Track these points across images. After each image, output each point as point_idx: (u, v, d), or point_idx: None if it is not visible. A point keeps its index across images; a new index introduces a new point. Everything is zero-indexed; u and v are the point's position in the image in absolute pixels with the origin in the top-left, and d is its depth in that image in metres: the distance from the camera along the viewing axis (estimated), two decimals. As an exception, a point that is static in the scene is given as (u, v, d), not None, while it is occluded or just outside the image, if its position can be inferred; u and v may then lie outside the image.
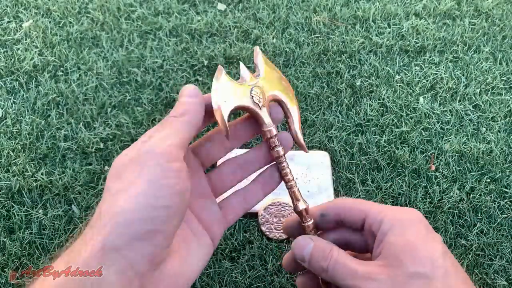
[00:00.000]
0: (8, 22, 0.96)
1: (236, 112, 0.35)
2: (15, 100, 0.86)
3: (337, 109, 0.87)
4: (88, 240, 0.27)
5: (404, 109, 0.87)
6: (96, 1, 1.00)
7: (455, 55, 0.96)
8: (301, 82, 0.89)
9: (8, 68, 0.90)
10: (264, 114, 0.35)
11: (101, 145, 0.81)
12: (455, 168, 0.81)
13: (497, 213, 0.76)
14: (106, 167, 0.79)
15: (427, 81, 0.91)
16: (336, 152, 0.81)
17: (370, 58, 0.94)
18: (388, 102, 0.88)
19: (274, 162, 0.37)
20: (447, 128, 0.85)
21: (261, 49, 0.94)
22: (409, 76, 0.91)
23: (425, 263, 0.27)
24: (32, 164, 0.78)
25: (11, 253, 0.70)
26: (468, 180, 0.79)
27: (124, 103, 0.86)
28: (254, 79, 0.35)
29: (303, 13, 1.00)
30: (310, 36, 0.97)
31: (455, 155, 0.82)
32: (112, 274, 0.26)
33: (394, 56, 0.94)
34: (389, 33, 0.97)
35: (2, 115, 0.84)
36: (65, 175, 0.77)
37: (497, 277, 0.71)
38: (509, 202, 0.78)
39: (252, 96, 0.34)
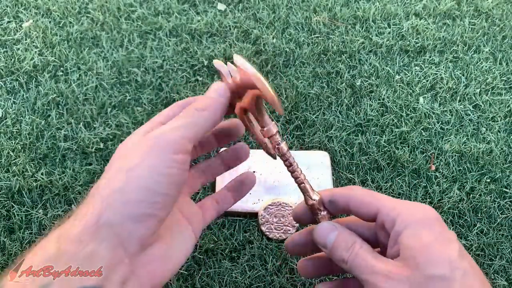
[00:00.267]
0: (8, 22, 0.96)
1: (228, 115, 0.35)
2: (15, 100, 0.86)
3: (337, 109, 0.87)
4: (82, 215, 0.27)
5: (404, 109, 0.87)
6: (96, 1, 1.00)
7: (455, 55, 0.96)
8: (301, 82, 0.89)
9: (8, 68, 0.90)
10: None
11: (101, 145, 0.81)
12: (455, 168, 0.81)
13: (497, 213, 0.76)
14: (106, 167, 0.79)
15: (427, 81, 0.91)
16: (336, 152, 0.81)
17: (370, 58, 0.94)
18: (388, 102, 0.88)
19: (247, 171, 0.39)
20: (447, 128, 0.85)
21: (261, 49, 0.94)
22: (409, 76, 0.91)
23: (443, 265, 0.28)
24: (32, 164, 0.78)
25: (11, 253, 0.70)
26: (468, 180, 0.79)
27: (124, 103, 0.86)
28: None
29: (303, 13, 1.00)
30: (310, 36, 0.97)
31: (455, 155, 0.82)
32: (103, 249, 0.26)
33: (394, 56, 0.94)
34: (389, 33, 0.97)
35: (2, 115, 0.84)
36: (65, 175, 0.77)
37: (497, 277, 0.71)
38: (509, 202, 0.78)
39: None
